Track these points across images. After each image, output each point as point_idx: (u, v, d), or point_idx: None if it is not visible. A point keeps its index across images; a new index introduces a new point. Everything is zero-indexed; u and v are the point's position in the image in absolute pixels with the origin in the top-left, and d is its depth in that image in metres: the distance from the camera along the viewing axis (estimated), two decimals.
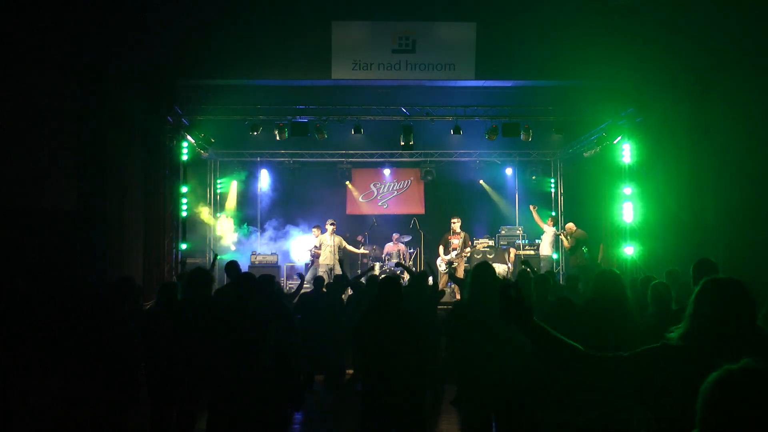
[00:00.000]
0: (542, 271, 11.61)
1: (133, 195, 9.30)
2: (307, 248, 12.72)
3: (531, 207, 12.70)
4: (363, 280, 7.76)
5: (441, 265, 11.36)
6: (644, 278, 5.58)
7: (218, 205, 14.17)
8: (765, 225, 8.19)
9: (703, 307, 2.09)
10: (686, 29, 8.99)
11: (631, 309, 3.74)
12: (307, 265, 12.66)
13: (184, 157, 10.71)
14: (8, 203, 8.22)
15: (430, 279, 7.54)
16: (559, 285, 7.81)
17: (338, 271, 11.36)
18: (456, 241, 11.28)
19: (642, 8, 9.28)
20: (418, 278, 6.60)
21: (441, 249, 11.55)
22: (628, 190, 10.50)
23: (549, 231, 12.14)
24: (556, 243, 12.88)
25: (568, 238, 11.38)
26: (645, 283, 5.31)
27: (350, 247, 12.22)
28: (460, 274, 11.01)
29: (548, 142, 12.87)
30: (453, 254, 11.22)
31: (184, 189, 10.57)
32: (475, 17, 9.48)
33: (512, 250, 12.95)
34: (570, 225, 11.83)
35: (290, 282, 12.72)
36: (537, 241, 13.02)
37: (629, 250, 10.34)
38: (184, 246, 10.56)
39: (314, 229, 12.60)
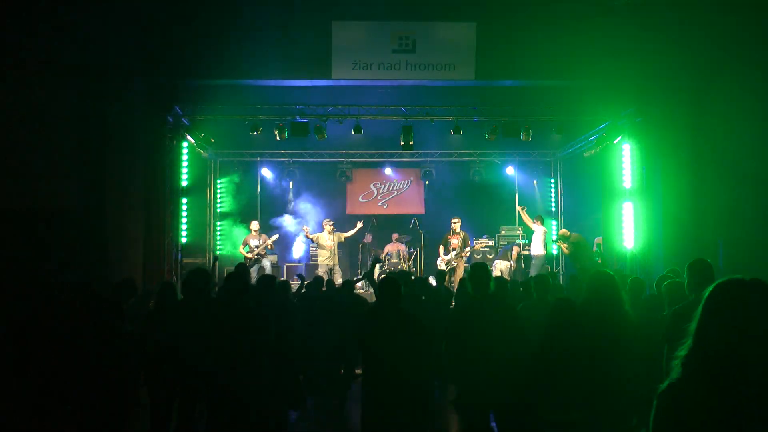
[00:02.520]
0: (533, 271, 11.60)
1: (133, 195, 9.30)
2: (246, 245, 11.57)
3: (519, 208, 12.61)
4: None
5: (441, 264, 11.37)
6: (632, 280, 5.58)
7: (218, 206, 14.16)
8: (765, 225, 8.19)
9: (710, 326, 1.53)
10: (686, 29, 8.99)
11: (627, 309, 3.73)
12: (247, 264, 10.83)
13: (184, 158, 10.71)
14: (8, 203, 8.23)
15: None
16: (560, 285, 7.81)
17: (338, 272, 11.37)
18: (455, 241, 11.30)
19: (642, 8, 9.28)
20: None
21: (441, 249, 11.57)
22: (628, 178, 10.51)
23: (538, 230, 12.01)
24: (549, 241, 12.92)
25: (567, 244, 11.35)
26: (634, 285, 5.31)
27: (348, 234, 12.16)
28: (460, 273, 11.01)
29: (548, 142, 12.86)
30: (452, 254, 11.23)
31: (183, 185, 10.57)
32: (475, 17, 9.47)
33: (515, 248, 12.91)
34: (564, 231, 11.76)
35: (290, 282, 12.70)
36: None
37: (629, 238, 10.37)
38: (184, 239, 10.53)
39: (253, 223, 11.98)
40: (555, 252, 13.33)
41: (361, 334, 4.09)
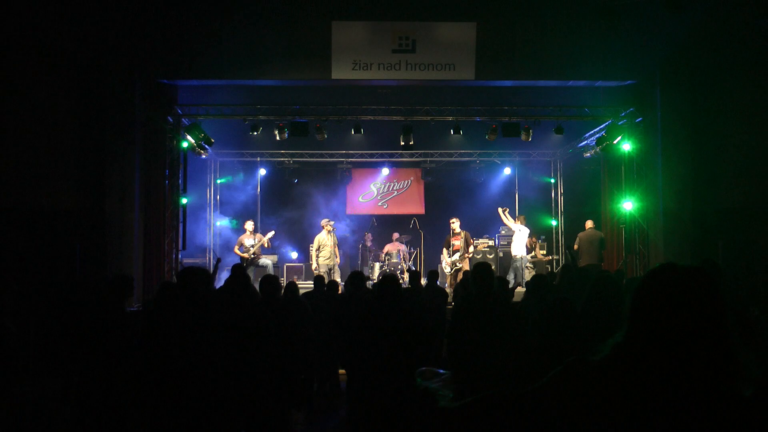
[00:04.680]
0: (514, 273, 11.46)
1: (133, 195, 9.30)
2: (241, 246, 11.26)
3: (500, 209, 12.33)
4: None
5: (446, 267, 11.23)
6: (629, 281, 5.57)
7: (218, 206, 14.19)
8: (765, 224, 8.20)
9: (640, 309, 1.43)
10: (686, 29, 8.99)
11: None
12: (243, 265, 10.39)
13: (184, 158, 10.71)
14: (8, 203, 8.23)
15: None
16: (560, 286, 7.78)
17: (337, 272, 11.35)
18: (457, 243, 11.16)
19: (642, 8, 9.28)
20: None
21: (444, 252, 11.42)
22: (628, 179, 10.50)
23: (519, 230, 11.66)
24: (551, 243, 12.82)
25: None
26: (631, 285, 5.29)
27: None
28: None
29: (548, 142, 12.86)
30: (456, 256, 11.10)
31: (183, 184, 10.56)
32: (475, 17, 9.48)
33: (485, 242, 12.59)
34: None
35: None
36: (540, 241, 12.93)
37: (629, 237, 10.35)
38: (183, 221, 10.47)
39: (248, 223, 11.65)
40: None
41: (360, 334, 4.09)
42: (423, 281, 8.23)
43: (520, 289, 9.72)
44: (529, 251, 12.16)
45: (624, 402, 1.33)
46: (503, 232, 13.63)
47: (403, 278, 11.70)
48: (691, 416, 1.28)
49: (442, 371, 1.83)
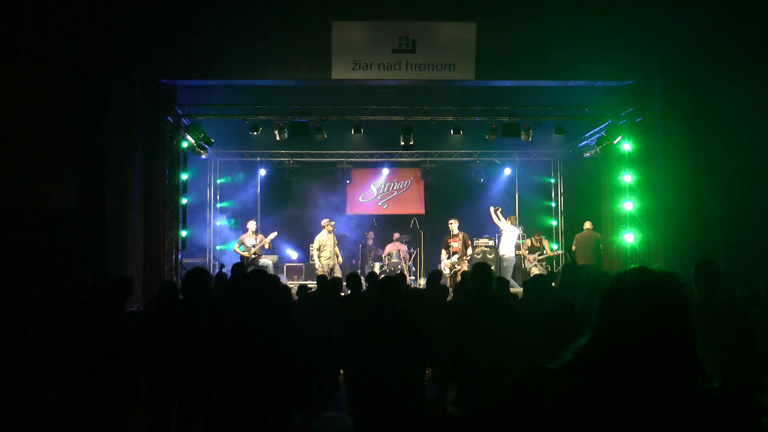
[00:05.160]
0: (503, 274, 11.39)
1: (133, 195, 9.30)
2: (242, 245, 11.22)
3: (492, 208, 12.16)
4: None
5: (445, 269, 11.19)
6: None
7: (217, 206, 14.18)
8: (765, 224, 8.20)
9: (606, 312, 1.43)
10: (686, 29, 9.00)
11: None
12: (243, 264, 10.57)
13: (184, 158, 10.71)
14: (8, 203, 8.23)
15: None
16: (560, 287, 7.78)
17: (338, 272, 11.34)
18: (456, 244, 11.12)
19: (642, 8, 9.29)
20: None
21: (443, 253, 11.40)
22: (628, 179, 10.50)
23: (508, 230, 11.58)
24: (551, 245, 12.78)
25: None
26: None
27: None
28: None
29: (548, 142, 12.86)
30: (455, 258, 11.06)
31: (183, 184, 10.57)
32: (475, 17, 9.48)
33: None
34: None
35: (290, 283, 12.69)
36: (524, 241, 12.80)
37: (629, 238, 10.35)
38: (184, 233, 10.50)
39: (250, 222, 11.64)
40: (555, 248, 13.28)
41: (357, 335, 4.07)
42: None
43: (515, 290, 9.70)
44: (537, 249, 12.16)
45: (587, 405, 1.33)
46: (503, 232, 13.61)
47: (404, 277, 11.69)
48: (653, 415, 1.29)
49: None
